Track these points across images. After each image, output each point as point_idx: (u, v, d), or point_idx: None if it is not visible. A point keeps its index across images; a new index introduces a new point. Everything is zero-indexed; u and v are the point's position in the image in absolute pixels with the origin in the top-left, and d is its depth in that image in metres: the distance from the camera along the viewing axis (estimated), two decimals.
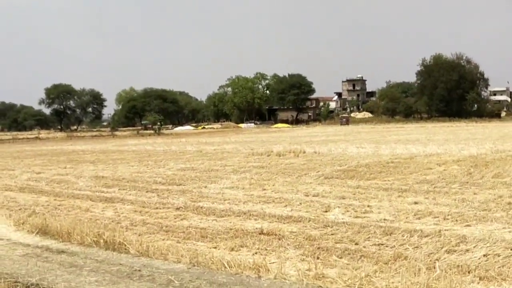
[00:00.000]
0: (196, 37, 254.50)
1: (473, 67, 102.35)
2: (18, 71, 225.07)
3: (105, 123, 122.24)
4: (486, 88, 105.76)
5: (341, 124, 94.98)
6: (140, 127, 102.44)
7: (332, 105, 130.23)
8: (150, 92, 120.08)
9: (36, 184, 17.63)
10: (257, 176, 17.10)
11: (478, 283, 5.97)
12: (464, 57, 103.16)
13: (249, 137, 52.58)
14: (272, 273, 6.64)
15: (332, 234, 8.69)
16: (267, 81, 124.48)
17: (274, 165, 20.48)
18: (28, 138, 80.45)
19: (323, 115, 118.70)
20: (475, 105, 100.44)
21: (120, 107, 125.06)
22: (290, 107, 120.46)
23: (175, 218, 10.77)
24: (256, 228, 9.28)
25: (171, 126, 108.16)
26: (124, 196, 14.04)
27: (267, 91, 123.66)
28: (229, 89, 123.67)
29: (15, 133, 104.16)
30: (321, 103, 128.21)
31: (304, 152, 25.65)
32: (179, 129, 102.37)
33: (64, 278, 6.62)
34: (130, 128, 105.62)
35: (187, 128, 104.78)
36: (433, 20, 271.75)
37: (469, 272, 6.36)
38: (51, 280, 6.56)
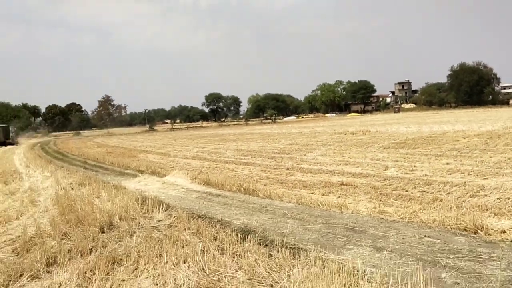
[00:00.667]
0: (300, 57, 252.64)
1: (488, 70, 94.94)
2: (189, 86, 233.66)
3: (241, 116, 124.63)
4: (498, 84, 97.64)
5: (394, 112, 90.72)
6: (262, 118, 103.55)
7: (388, 99, 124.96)
8: (268, 96, 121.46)
9: (201, 155, 18.37)
10: (338, 147, 16.80)
11: (493, 217, 5.60)
12: (481, 63, 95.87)
13: (332, 123, 51.62)
14: (350, 209, 6.57)
15: (389, 185, 8.41)
16: (343, 86, 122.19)
17: (349, 140, 20.01)
18: (195, 127, 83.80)
19: (382, 106, 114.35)
20: (490, 96, 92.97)
21: (250, 106, 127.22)
22: (359, 102, 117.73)
23: (286, 175, 10.85)
24: (338, 181, 9.17)
25: (281, 117, 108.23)
26: (254, 161, 14.32)
27: (344, 92, 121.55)
28: (319, 92, 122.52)
29: (188, 123, 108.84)
30: (380, 98, 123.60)
31: (369, 131, 24.83)
32: (286, 119, 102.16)
33: (221, 211, 6.91)
34: (256, 119, 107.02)
35: (292, 118, 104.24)
36: (458, 34, 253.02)
37: (487, 210, 5.98)
38: (213, 212, 6.87)
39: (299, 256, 4.32)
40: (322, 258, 4.19)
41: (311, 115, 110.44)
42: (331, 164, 12.11)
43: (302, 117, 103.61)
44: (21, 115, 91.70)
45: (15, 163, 19.54)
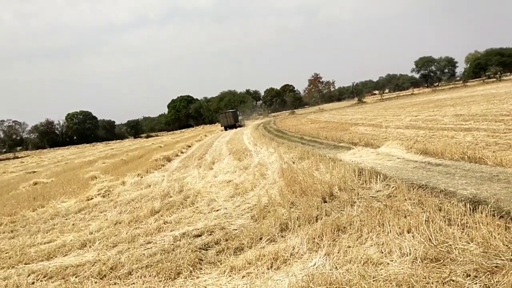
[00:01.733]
0: None
1: None
2: (397, 52, 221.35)
3: (457, 79, 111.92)
4: None
5: None
6: (484, 78, 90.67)
7: None
8: (491, 51, 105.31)
9: (415, 123, 17.39)
10: None
11: None
12: None
13: None
14: None
15: None
16: None
17: None
18: (406, 95, 79.55)
19: None
20: None
21: (468, 65, 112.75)
22: None
23: None
24: None
25: (509, 73, 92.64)
26: (478, 126, 12.76)
27: None
28: None
29: (397, 92, 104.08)
30: None
31: None
32: None
33: (443, 181, 6.45)
34: (477, 79, 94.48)
35: None
36: None
37: None
38: (434, 182, 6.47)
39: None
40: None
41: None
42: None
43: None
44: (245, 100, 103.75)
45: (245, 142, 22.32)
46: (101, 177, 15.28)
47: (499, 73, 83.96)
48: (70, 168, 25.11)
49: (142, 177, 13.54)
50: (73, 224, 8.02)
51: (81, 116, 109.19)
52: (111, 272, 4.83)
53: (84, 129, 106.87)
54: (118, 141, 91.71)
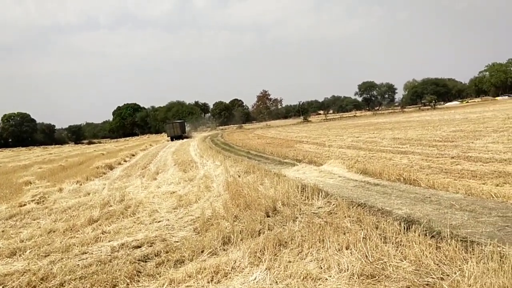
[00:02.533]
0: (463, 35, 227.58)
1: None
2: (341, 75, 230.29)
3: (396, 104, 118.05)
4: None
5: None
6: (420, 105, 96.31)
7: None
8: (427, 80, 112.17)
9: (356, 144, 18.04)
10: None
11: None
12: None
13: (505, 106, 45.20)
14: None
15: None
16: None
17: None
18: (349, 116, 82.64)
19: None
20: None
21: (406, 92, 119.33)
22: None
23: (451, 164, 9.95)
24: None
25: (442, 102, 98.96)
26: (413, 150, 13.47)
27: None
28: (487, 73, 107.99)
29: (341, 113, 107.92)
30: None
31: None
32: (448, 104, 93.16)
33: (380, 201, 6.71)
34: (413, 106, 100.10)
35: (455, 103, 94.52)
36: None
37: None
38: (372, 201, 6.70)
39: (472, 249, 3.94)
40: (500, 253, 3.75)
41: (477, 99, 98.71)
42: (505, 152, 10.68)
43: (467, 102, 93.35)
44: (194, 112, 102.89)
45: (191, 154, 22.05)
46: (36, 182, 14.43)
47: (433, 101, 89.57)
48: (2, 172, 23.49)
49: (81, 185, 12.95)
50: (2, 231, 7.47)
51: (18, 118, 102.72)
52: (41, 283, 4.53)
53: (21, 132, 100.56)
54: (57, 146, 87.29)
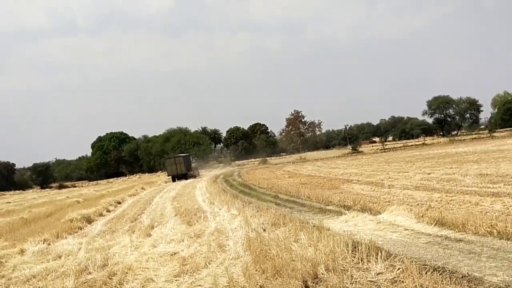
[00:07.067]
0: None
1: None
2: (396, 89, 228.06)
3: (482, 126, 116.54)
4: None
5: None
6: None
7: None
8: None
9: (428, 183, 17.77)
10: None
11: None
12: None
13: None
14: None
15: None
16: None
17: None
18: (416, 145, 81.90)
19: None
20: None
21: (496, 110, 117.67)
22: None
23: None
24: None
25: None
26: (510, 191, 13.20)
27: None
28: None
29: (404, 141, 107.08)
30: None
31: None
32: None
33: (465, 263, 6.56)
34: (508, 129, 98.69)
35: None
36: None
37: None
38: (454, 264, 6.56)
39: None
40: None
41: None
42: None
43: None
44: (201, 142, 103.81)
45: (198, 200, 22.16)
46: None
47: None
48: None
49: (49, 244, 13.12)
50: None
51: None
52: None
53: None
54: (18, 192, 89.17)
